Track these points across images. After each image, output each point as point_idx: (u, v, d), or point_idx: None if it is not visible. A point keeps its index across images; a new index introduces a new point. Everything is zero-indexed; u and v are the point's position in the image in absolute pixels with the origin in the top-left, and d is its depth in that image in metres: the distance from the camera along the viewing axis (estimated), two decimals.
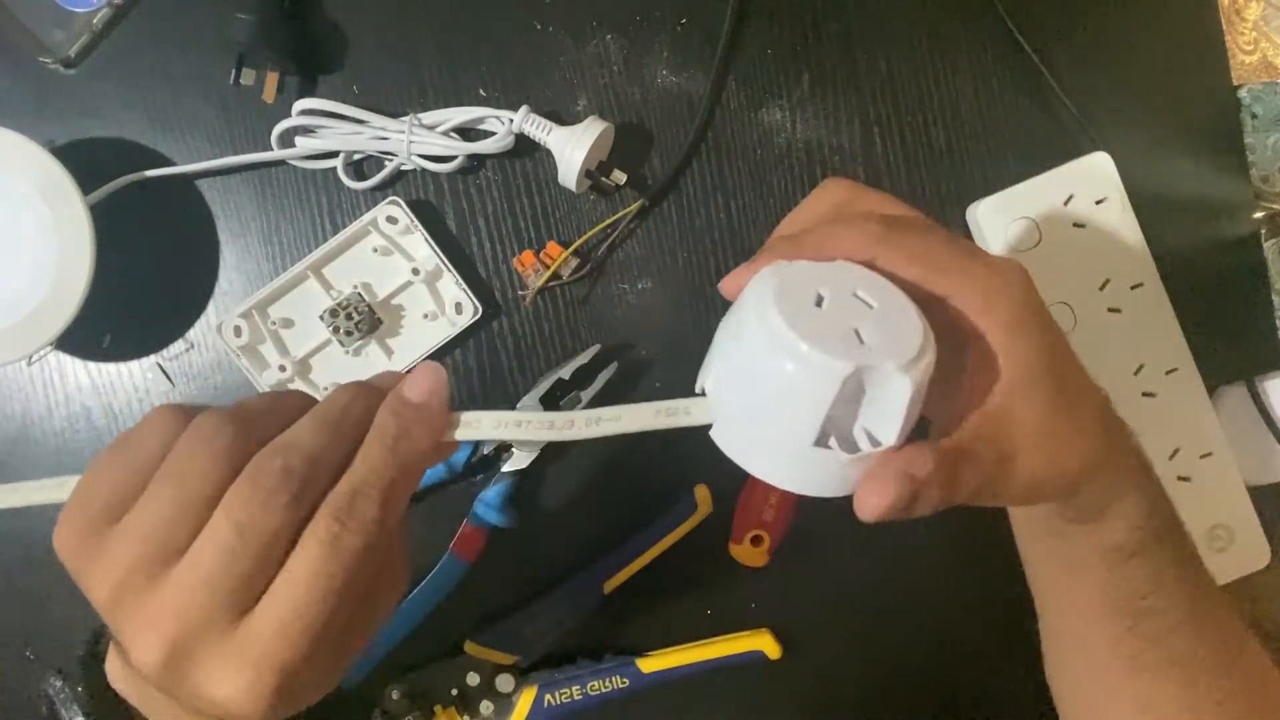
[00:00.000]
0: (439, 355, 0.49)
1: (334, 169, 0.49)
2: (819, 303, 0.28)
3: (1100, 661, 0.39)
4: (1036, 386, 0.30)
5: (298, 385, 0.49)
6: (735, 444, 0.28)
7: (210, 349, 0.50)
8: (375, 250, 0.49)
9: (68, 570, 0.25)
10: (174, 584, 0.23)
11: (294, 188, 0.50)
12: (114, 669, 0.29)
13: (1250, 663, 0.38)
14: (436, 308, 0.49)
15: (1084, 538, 0.36)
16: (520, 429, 0.29)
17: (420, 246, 0.48)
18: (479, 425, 0.29)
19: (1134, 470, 0.35)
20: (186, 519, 0.24)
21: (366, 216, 0.48)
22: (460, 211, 0.50)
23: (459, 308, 0.49)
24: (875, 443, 0.27)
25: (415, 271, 0.48)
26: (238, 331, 0.47)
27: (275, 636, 0.23)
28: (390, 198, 0.48)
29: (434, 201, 0.50)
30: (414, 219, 0.48)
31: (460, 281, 0.48)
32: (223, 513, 0.23)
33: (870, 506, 0.27)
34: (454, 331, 0.48)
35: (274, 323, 0.48)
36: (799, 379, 0.26)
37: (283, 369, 0.48)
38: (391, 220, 0.48)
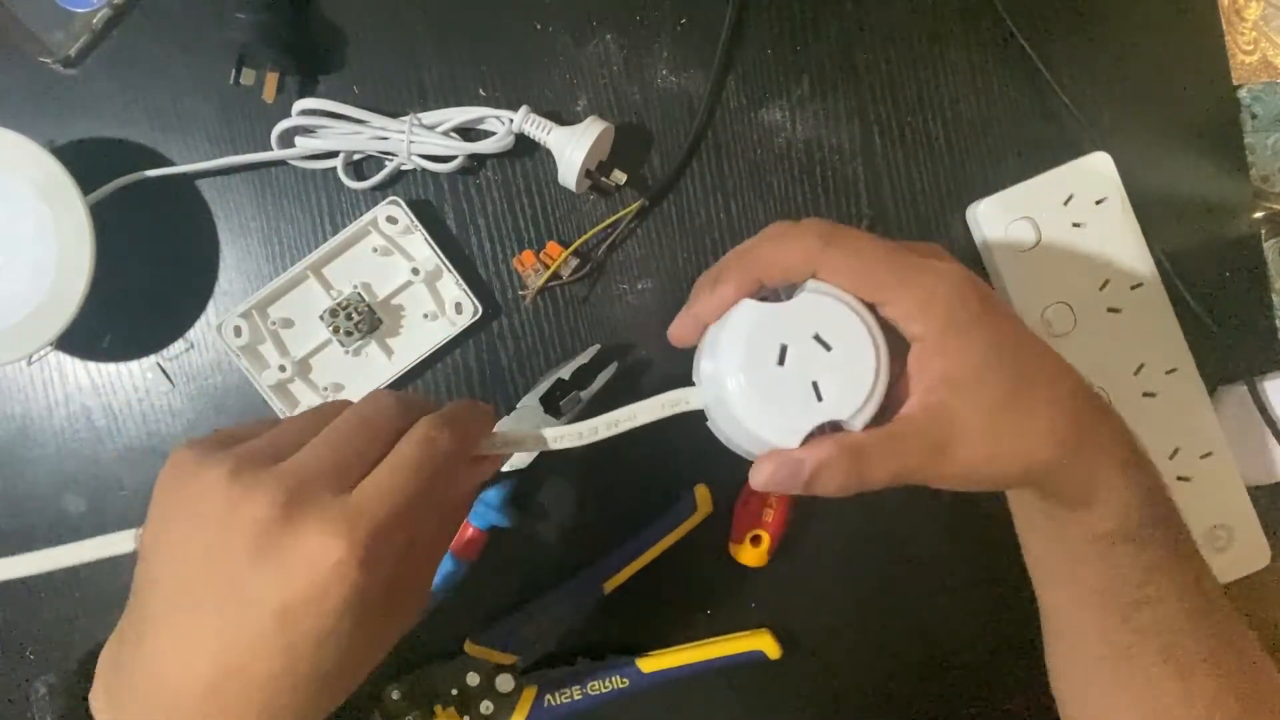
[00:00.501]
0: (439, 355, 0.49)
1: (334, 169, 0.49)
2: (782, 359, 0.32)
3: (1096, 653, 0.39)
4: (973, 383, 0.32)
5: (297, 385, 0.49)
6: (719, 431, 0.35)
7: (210, 349, 0.50)
8: (375, 250, 0.49)
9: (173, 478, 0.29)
10: (291, 461, 0.29)
11: (294, 188, 0.50)
12: (98, 703, 0.30)
13: (1246, 657, 0.38)
14: (436, 308, 0.49)
15: (1074, 524, 0.36)
16: (555, 442, 0.35)
17: (420, 246, 0.48)
18: (517, 440, 0.36)
19: (1121, 457, 0.36)
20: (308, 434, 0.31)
21: (366, 216, 0.48)
22: (460, 211, 0.50)
23: (459, 307, 0.49)
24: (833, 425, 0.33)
25: (415, 271, 0.48)
26: (237, 331, 0.47)
27: (372, 499, 0.28)
28: (390, 198, 0.48)
29: (434, 201, 0.50)
30: (414, 219, 0.48)
31: (460, 281, 0.48)
32: (350, 412, 0.31)
33: (755, 479, 0.33)
34: (454, 331, 0.48)
35: (274, 323, 0.48)
36: (766, 443, 0.33)
37: (282, 369, 0.48)
38: (391, 220, 0.48)
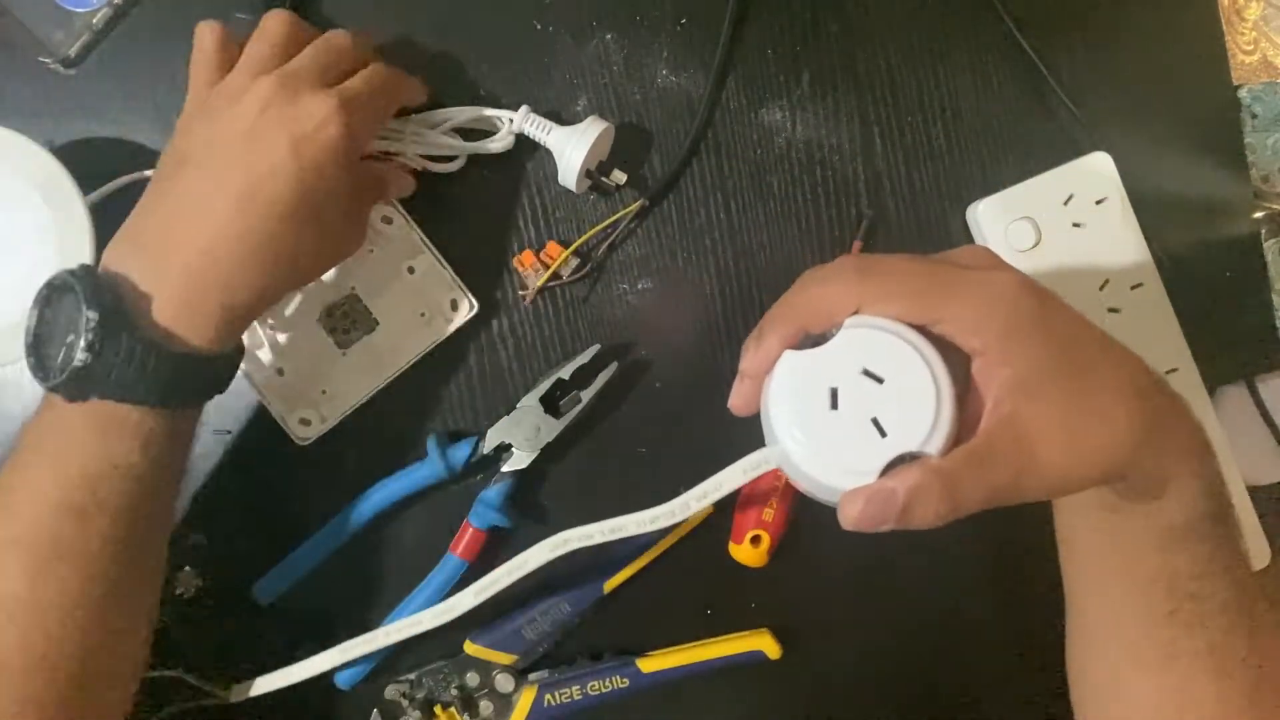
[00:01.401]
0: (436, 353, 0.49)
1: None
2: (834, 402, 0.31)
3: (1132, 651, 0.38)
4: (1043, 386, 0.31)
5: (295, 388, 0.49)
6: (800, 486, 0.34)
7: None
8: (370, 250, 0.49)
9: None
10: (287, 65, 0.40)
11: None
12: (118, 249, 0.39)
13: None
14: (432, 306, 0.49)
15: (1140, 516, 0.35)
16: (637, 526, 0.38)
17: (415, 245, 0.48)
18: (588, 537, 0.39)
19: (1190, 448, 0.35)
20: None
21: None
22: (460, 211, 0.50)
23: (454, 304, 0.49)
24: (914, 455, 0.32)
25: (410, 270, 0.48)
26: None
27: (347, 89, 0.40)
28: None
29: (433, 201, 0.50)
30: (409, 218, 0.48)
31: (455, 279, 0.48)
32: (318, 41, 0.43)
33: (845, 519, 0.31)
34: (450, 329, 0.48)
35: (271, 325, 0.48)
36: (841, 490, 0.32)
37: (280, 372, 0.48)
38: (386, 220, 0.48)
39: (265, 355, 0.49)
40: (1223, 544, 0.36)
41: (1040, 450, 0.31)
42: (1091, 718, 0.41)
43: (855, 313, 0.32)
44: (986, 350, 0.31)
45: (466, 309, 0.48)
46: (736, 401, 0.35)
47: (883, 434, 0.31)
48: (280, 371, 0.48)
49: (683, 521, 0.38)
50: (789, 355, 0.32)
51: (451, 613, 0.42)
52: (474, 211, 0.50)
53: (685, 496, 0.36)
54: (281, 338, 0.49)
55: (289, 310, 0.49)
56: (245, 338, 0.47)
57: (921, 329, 0.32)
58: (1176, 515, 0.35)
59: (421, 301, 0.49)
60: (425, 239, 0.48)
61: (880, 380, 0.31)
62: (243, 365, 0.47)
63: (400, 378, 0.49)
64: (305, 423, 0.49)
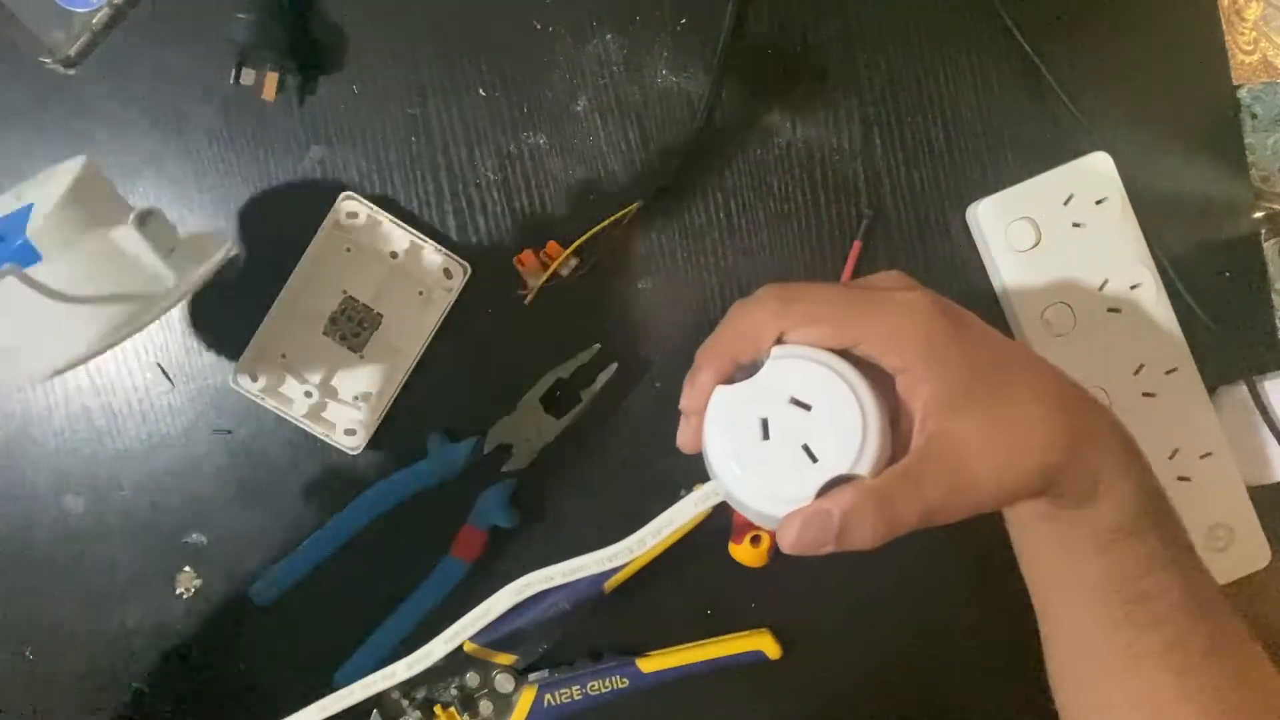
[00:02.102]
0: (449, 324, 0.49)
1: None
2: (766, 432, 0.32)
3: (1097, 653, 0.38)
4: (966, 400, 0.32)
5: (328, 405, 0.49)
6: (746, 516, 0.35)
7: (210, 348, 0.50)
8: (349, 250, 0.48)
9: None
10: None
11: (294, 188, 0.50)
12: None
13: (1244, 651, 0.38)
14: (428, 282, 0.49)
15: (1076, 521, 0.36)
16: (598, 565, 0.37)
17: (390, 230, 0.48)
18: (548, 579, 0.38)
19: (1117, 450, 0.36)
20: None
21: (327, 220, 0.47)
22: (460, 211, 0.50)
23: (448, 273, 0.48)
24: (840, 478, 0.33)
25: (394, 255, 0.48)
26: (253, 377, 0.48)
27: None
28: (344, 193, 0.47)
29: (434, 201, 0.50)
30: (373, 207, 0.47)
31: (440, 248, 0.48)
32: None
33: (783, 543, 0.32)
34: (453, 297, 0.48)
35: (283, 356, 0.49)
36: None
37: (309, 394, 0.48)
38: (351, 215, 0.48)
39: (289, 388, 0.49)
40: (1165, 541, 0.37)
41: (971, 464, 0.32)
42: None
43: (779, 341, 0.33)
44: (907, 368, 0.33)
45: (461, 273, 0.48)
46: (682, 440, 0.36)
47: (814, 459, 0.32)
48: (308, 394, 0.48)
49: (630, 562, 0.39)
50: (720, 391, 0.33)
51: (425, 661, 0.41)
52: (474, 211, 0.50)
53: (641, 533, 0.36)
54: (298, 365, 0.49)
55: (296, 338, 0.49)
56: (264, 379, 0.48)
57: (845, 353, 0.33)
58: (1110, 517, 0.35)
59: (416, 281, 0.49)
60: (396, 220, 0.48)
61: (808, 407, 0.32)
62: (273, 404, 0.48)
63: (423, 358, 0.49)
64: (351, 433, 0.49)
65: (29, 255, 0.36)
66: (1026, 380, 0.34)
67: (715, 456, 0.33)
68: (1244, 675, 0.38)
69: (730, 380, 0.33)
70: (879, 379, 0.33)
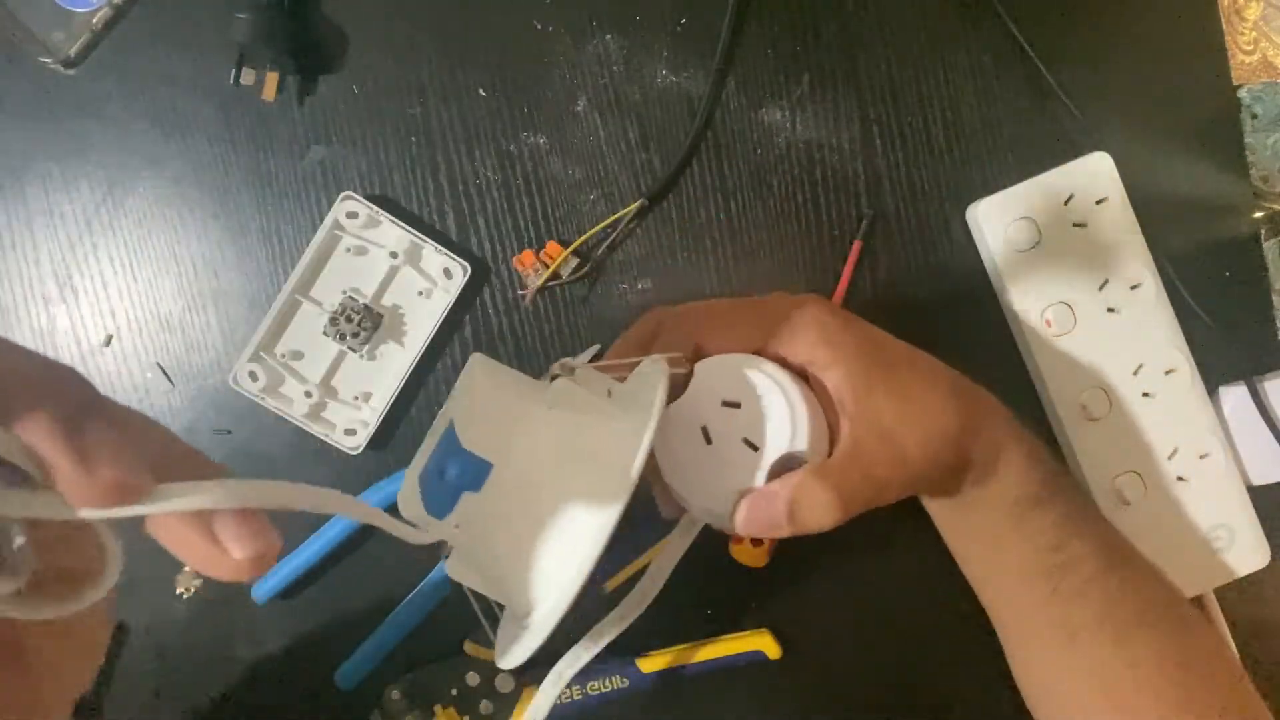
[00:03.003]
0: (448, 325, 0.49)
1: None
2: (709, 439, 0.34)
3: (1037, 632, 0.40)
4: (870, 386, 0.35)
5: (328, 405, 0.49)
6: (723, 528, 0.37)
7: (210, 348, 0.50)
8: (349, 250, 0.48)
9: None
10: None
11: (294, 188, 0.50)
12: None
13: (1175, 613, 0.40)
14: (428, 282, 0.49)
15: (985, 501, 0.38)
16: (615, 627, 0.40)
17: (390, 231, 0.48)
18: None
19: (1006, 425, 0.39)
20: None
21: (327, 221, 0.47)
22: (460, 211, 0.50)
23: (448, 273, 0.48)
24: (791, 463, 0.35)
25: (394, 255, 0.48)
26: (253, 377, 0.48)
27: None
28: (343, 193, 0.47)
29: (434, 201, 0.50)
30: (373, 207, 0.47)
31: (440, 249, 0.48)
32: None
33: (737, 523, 0.34)
34: (452, 297, 0.48)
35: (283, 356, 0.48)
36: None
37: (309, 394, 0.48)
38: (352, 215, 0.48)
39: (289, 388, 0.49)
40: (1072, 508, 0.39)
41: (896, 437, 0.35)
42: (1036, 709, 0.43)
43: (698, 355, 0.36)
44: (813, 360, 0.35)
45: (461, 273, 0.48)
46: (665, 508, 0.40)
47: (755, 449, 0.34)
48: (308, 394, 0.48)
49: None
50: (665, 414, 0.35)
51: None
52: (474, 211, 0.50)
53: (640, 586, 0.40)
54: (298, 365, 0.49)
55: (297, 338, 0.49)
56: (264, 379, 0.48)
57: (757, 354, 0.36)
58: (1014, 488, 0.38)
59: (416, 281, 0.49)
60: (396, 220, 0.48)
61: (738, 405, 0.34)
62: (273, 404, 0.48)
63: (423, 359, 0.49)
64: (351, 433, 0.49)
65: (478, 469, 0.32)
66: (916, 372, 0.37)
67: (675, 480, 0.35)
68: (1182, 641, 0.39)
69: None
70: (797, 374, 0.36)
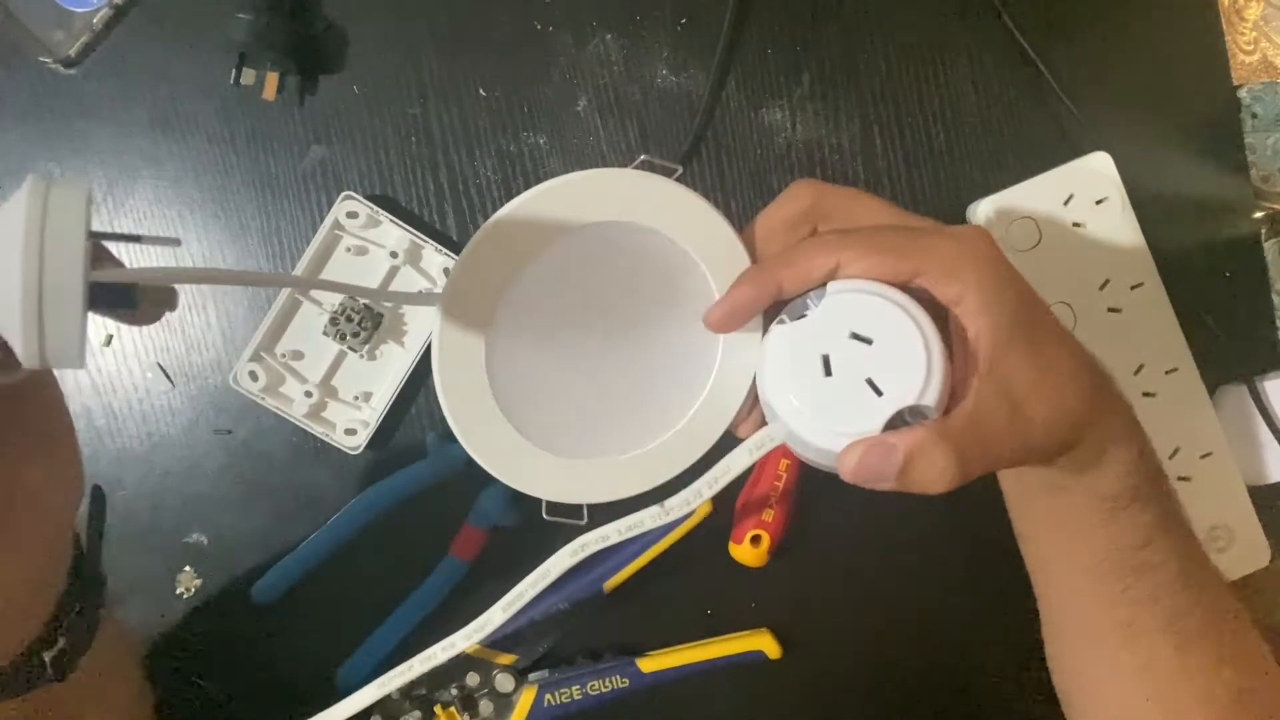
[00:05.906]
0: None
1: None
2: (828, 369, 0.32)
3: (1097, 628, 0.39)
4: (1014, 338, 0.32)
5: (329, 405, 0.49)
6: (808, 459, 0.34)
7: (210, 348, 0.50)
8: (349, 250, 0.48)
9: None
10: None
11: (294, 188, 0.50)
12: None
13: (1238, 627, 0.39)
14: (428, 282, 0.49)
15: (1082, 489, 0.36)
16: (653, 520, 0.37)
17: (390, 231, 0.48)
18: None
19: (1125, 416, 0.36)
20: None
21: (327, 221, 0.47)
22: (460, 211, 0.50)
23: (448, 273, 0.48)
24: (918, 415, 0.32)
25: (394, 255, 0.48)
26: (253, 376, 0.48)
27: None
28: (343, 193, 0.47)
29: (434, 201, 0.50)
30: (373, 207, 0.47)
31: (440, 249, 0.48)
32: None
33: (843, 469, 0.32)
34: None
35: (283, 356, 0.48)
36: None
37: (309, 394, 0.48)
38: (352, 215, 0.48)
39: (289, 388, 0.49)
40: (1164, 514, 0.37)
41: (1024, 408, 0.32)
42: (1072, 705, 0.42)
43: (834, 274, 0.33)
44: (963, 299, 0.32)
45: None
46: (709, 316, 0.35)
47: (879, 393, 0.31)
48: (308, 394, 0.48)
49: (692, 513, 0.38)
50: (776, 330, 0.33)
51: (483, 630, 0.41)
52: (474, 212, 0.50)
53: (697, 484, 0.36)
54: (298, 364, 0.49)
55: (297, 338, 0.49)
56: (264, 379, 0.48)
57: (901, 286, 0.32)
58: (1115, 484, 0.36)
59: (416, 280, 0.49)
60: (396, 220, 0.48)
61: (869, 342, 0.31)
62: (273, 403, 0.48)
63: (423, 359, 0.49)
64: (351, 433, 0.49)
65: None
66: (1062, 346, 0.34)
67: (775, 396, 0.33)
68: (1239, 651, 0.38)
69: (776, 314, 0.33)
70: (932, 313, 0.32)
